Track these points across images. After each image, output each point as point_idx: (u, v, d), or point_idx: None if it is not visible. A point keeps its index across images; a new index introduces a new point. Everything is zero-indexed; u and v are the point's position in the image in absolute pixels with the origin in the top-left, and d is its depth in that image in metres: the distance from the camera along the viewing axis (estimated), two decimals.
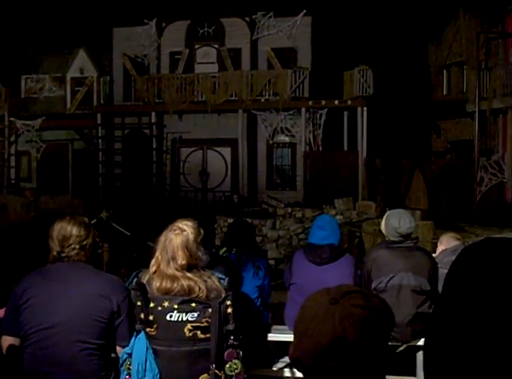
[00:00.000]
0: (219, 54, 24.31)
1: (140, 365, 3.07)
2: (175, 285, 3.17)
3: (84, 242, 3.22)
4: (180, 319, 3.15)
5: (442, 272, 4.90)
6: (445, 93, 25.06)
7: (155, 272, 3.24)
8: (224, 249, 5.07)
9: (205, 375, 3.15)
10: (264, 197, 22.50)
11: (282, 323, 5.09)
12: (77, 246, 3.20)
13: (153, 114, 23.99)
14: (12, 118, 24.42)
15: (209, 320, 3.16)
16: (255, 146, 23.67)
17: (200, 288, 3.17)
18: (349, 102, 22.18)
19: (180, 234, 3.25)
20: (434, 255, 5.29)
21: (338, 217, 17.34)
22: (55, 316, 3.08)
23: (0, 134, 24.79)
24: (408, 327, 4.77)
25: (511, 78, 20.03)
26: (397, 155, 22.53)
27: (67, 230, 3.21)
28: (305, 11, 23.29)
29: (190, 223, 3.33)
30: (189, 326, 3.15)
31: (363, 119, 21.86)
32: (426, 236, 11.78)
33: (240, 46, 24.20)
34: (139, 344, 3.11)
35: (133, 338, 3.15)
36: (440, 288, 4.88)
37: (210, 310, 3.16)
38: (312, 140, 22.86)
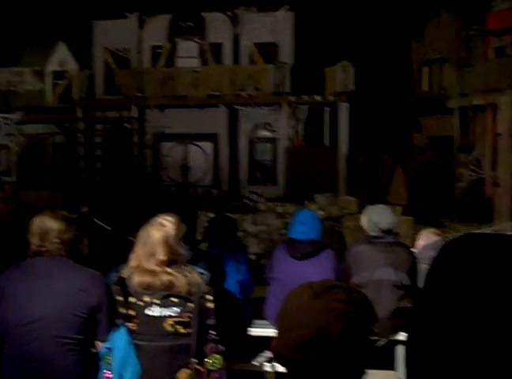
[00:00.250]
0: (200, 48, 24.23)
1: (120, 361, 3.06)
2: (156, 280, 3.15)
3: (64, 237, 3.20)
4: (161, 314, 3.14)
5: (422, 267, 4.93)
6: (426, 89, 25.20)
7: (135, 267, 3.22)
8: (206, 245, 5.06)
9: (186, 370, 3.15)
10: (245, 191, 22.49)
11: (263, 318, 5.09)
12: (57, 241, 3.17)
13: (134, 108, 23.87)
14: None
15: (190, 315, 3.15)
16: (237, 141, 23.65)
17: (181, 283, 3.16)
18: (331, 97, 22.23)
19: (160, 230, 3.23)
20: (413, 250, 5.31)
21: (319, 212, 17.35)
22: (35, 311, 3.05)
23: None
24: (388, 321, 4.79)
25: (491, 75, 20.18)
26: (378, 150, 22.63)
27: (47, 225, 3.19)
28: (287, 6, 23.28)
29: (170, 219, 3.31)
30: (170, 321, 3.14)
31: (345, 115, 21.93)
32: (406, 232, 11.83)
33: (222, 40, 24.15)
34: (119, 339, 3.10)
35: (114, 333, 3.13)
36: (420, 283, 4.92)
37: (191, 305, 3.16)
38: (294, 136, 22.89)
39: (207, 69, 23.29)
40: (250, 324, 5.06)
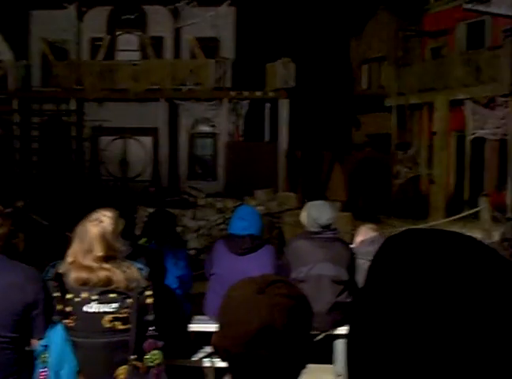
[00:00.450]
0: (141, 41, 23.97)
1: (57, 358, 3.00)
2: (93, 276, 3.10)
3: None
4: (99, 310, 3.10)
5: (360, 262, 5.01)
6: (365, 87, 25.61)
7: (71, 262, 3.15)
8: (144, 240, 5.01)
9: (125, 366, 3.11)
10: (185, 186, 22.40)
11: (202, 313, 5.08)
12: None
13: (73, 101, 23.42)
14: None
15: (129, 311, 3.12)
16: (177, 136, 23.52)
17: (119, 279, 3.12)
18: (271, 93, 22.34)
19: (98, 225, 3.18)
20: (352, 246, 5.40)
21: (259, 208, 17.40)
22: None
23: None
24: (327, 316, 4.85)
25: (427, 75, 20.66)
26: (317, 147, 22.88)
27: None
28: (229, 1, 23.26)
29: (108, 214, 3.26)
30: (108, 317, 3.10)
31: (285, 111, 22.08)
32: (344, 227, 11.99)
33: (163, 34, 23.97)
34: (56, 336, 3.04)
35: (50, 330, 3.07)
36: (358, 278, 5.00)
37: (130, 301, 3.12)
38: (234, 131, 22.92)
39: (147, 63, 23.06)
40: (189, 320, 5.05)
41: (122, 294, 3.12)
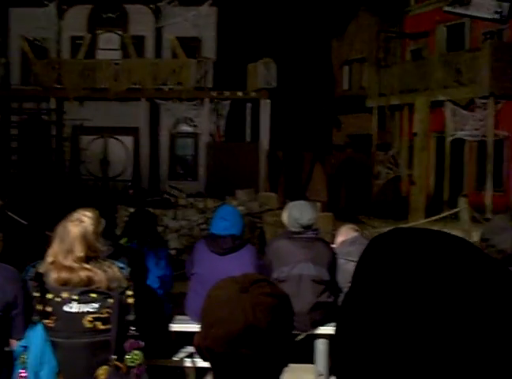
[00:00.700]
0: (122, 40, 23.86)
1: (36, 359, 2.98)
2: (73, 276, 3.08)
3: None
4: (79, 310, 3.08)
5: (341, 262, 5.03)
6: (346, 88, 25.71)
7: (52, 263, 3.13)
8: (125, 240, 5.00)
9: (105, 367, 3.10)
10: (166, 186, 22.34)
11: (183, 313, 5.08)
12: None
13: (53, 99, 23.25)
14: None
15: (110, 311, 3.10)
16: (158, 135, 23.45)
17: (100, 278, 3.10)
18: (252, 94, 22.35)
19: (79, 225, 3.15)
20: (333, 246, 5.41)
21: (240, 208, 17.38)
22: None
23: None
24: (308, 316, 4.87)
25: (408, 76, 20.78)
26: (298, 147, 22.92)
27: None
28: (210, 1, 23.24)
29: (89, 214, 3.24)
30: (89, 317, 3.08)
31: (266, 111, 22.09)
32: (325, 228, 12.02)
33: (144, 33, 23.89)
34: (35, 336, 3.01)
35: (30, 330, 3.04)
36: (338, 278, 5.02)
37: (111, 301, 3.11)
38: (215, 131, 22.90)
39: (128, 62, 22.96)
40: (170, 320, 5.04)
41: (103, 294, 3.11)
